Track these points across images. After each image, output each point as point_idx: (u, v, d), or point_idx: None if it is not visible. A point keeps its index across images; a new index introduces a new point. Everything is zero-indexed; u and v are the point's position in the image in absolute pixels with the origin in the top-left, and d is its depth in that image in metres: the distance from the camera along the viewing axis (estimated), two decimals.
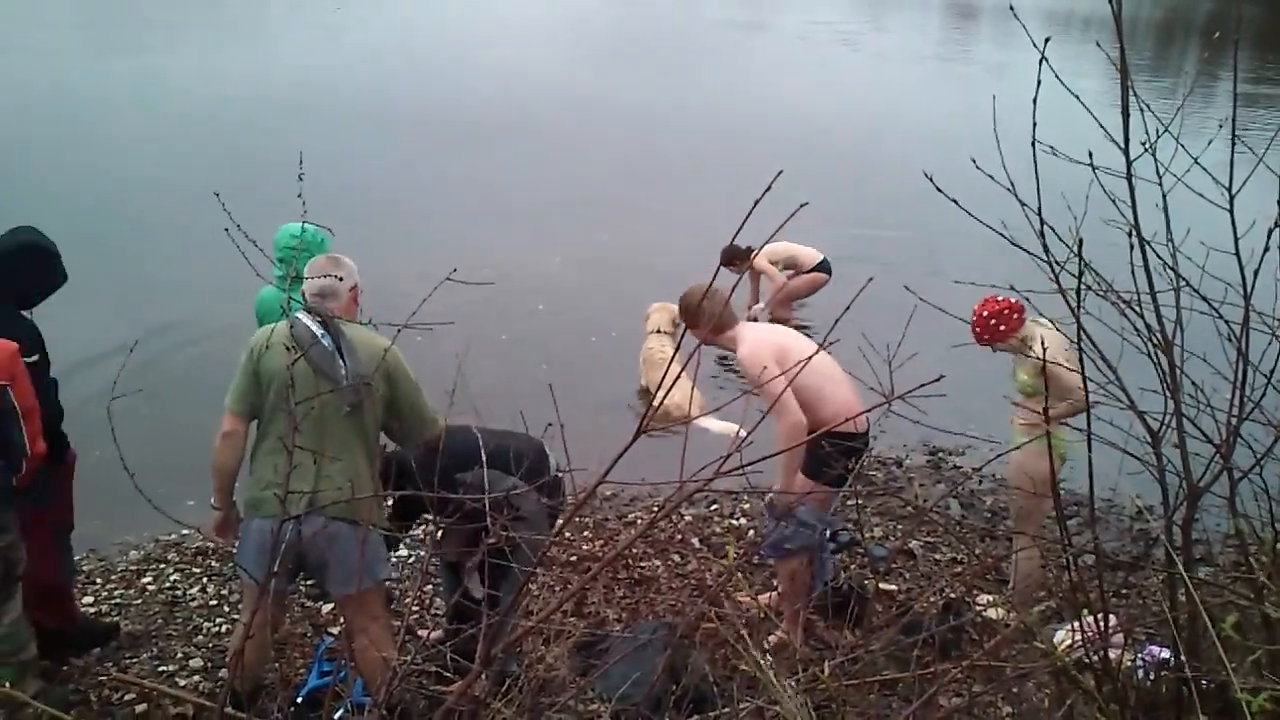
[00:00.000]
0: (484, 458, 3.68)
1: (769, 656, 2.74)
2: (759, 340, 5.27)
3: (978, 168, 3.08)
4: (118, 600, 6.00)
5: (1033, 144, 2.89)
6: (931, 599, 6.04)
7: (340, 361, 4.30)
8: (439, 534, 5.03)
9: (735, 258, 8.86)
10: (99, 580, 6.18)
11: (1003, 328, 5.32)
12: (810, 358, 3.34)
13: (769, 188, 2.33)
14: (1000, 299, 5.29)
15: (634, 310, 9.47)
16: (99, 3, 34.78)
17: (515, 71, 24.45)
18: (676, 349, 7.29)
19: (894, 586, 6.27)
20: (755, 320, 10.30)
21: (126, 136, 16.53)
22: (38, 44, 24.44)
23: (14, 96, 18.68)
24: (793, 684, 2.60)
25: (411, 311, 3.26)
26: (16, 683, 4.58)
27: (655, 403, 2.56)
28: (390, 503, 4.87)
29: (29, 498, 4.81)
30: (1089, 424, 2.99)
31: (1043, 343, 4.28)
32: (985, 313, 5.31)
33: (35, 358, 4.85)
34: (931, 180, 3.09)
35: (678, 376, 2.69)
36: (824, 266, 10.41)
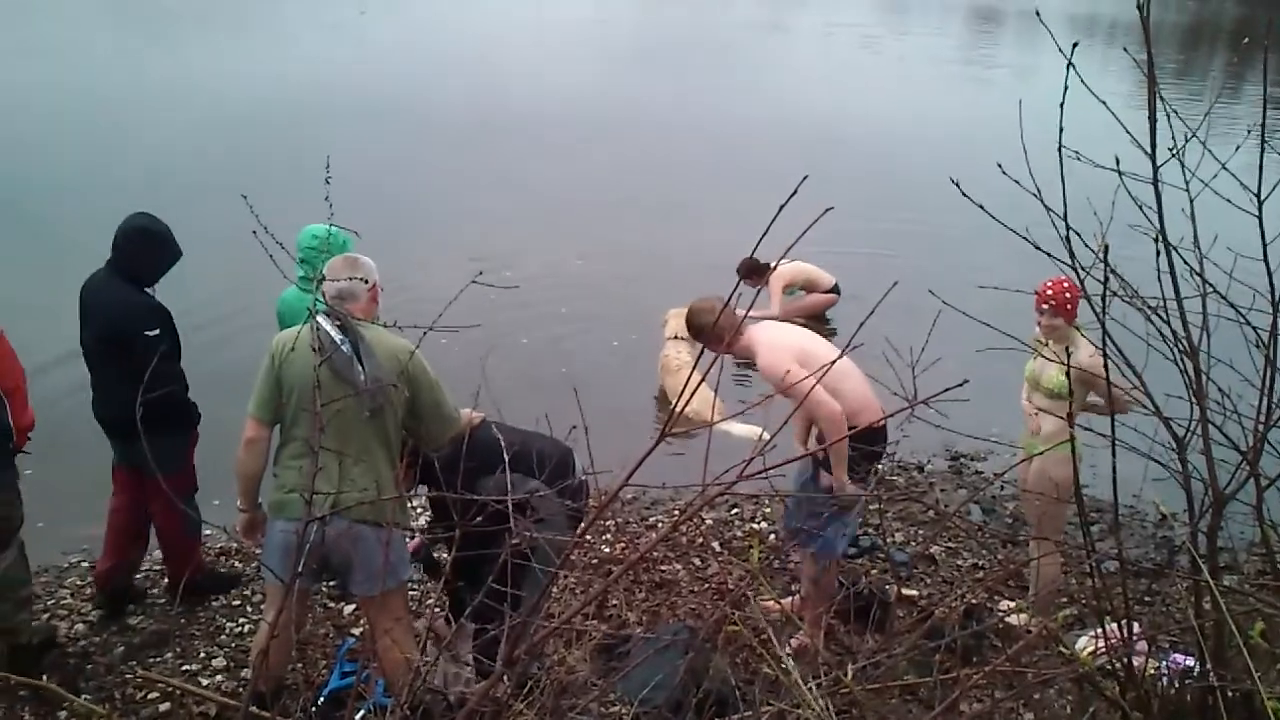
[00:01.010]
0: (506, 460, 3.67)
1: (791, 660, 2.74)
2: (776, 344, 5.21)
3: (1004, 173, 3.08)
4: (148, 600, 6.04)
5: (1059, 149, 2.88)
6: (953, 604, 6.02)
7: (358, 366, 4.30)
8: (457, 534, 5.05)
9: (754, 272, 8.88)
10: None
11: (1070, 307, 5.31)
12: (833, 362, 3.33)
13: (794, 193, 2.33)
14: None
15: (655, 313, 9.47)
16: (123, 5, 35.09)
17: (536, 73, 24.52)
18: (700, 355, 7.30)
19: (915, 592, 6.26)
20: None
21: (151, 136, 16.69)
22: (65, 45, 24.68)
23: (44, 97, 18.91)
24: (816, 687, 2.60)
25: (437, 314, 3.27)
26: (8, 618, 5.18)
27: (676, 408, 2.55)
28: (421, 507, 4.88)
29: (147, 464, 5.24)
30: (1113, 429, 2.98)
31: (1067, 350, 4.26)
32: (1067, 282, 5.27)
33: (155, 331, 5.34)
34: (958, 185, 3.09)
35: (699, 383, 2.69)
36: (835, 289, 10.73)
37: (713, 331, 4.93)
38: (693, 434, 6.78)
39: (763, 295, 10.55)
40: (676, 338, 8.89)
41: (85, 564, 6.38)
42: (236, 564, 6.43)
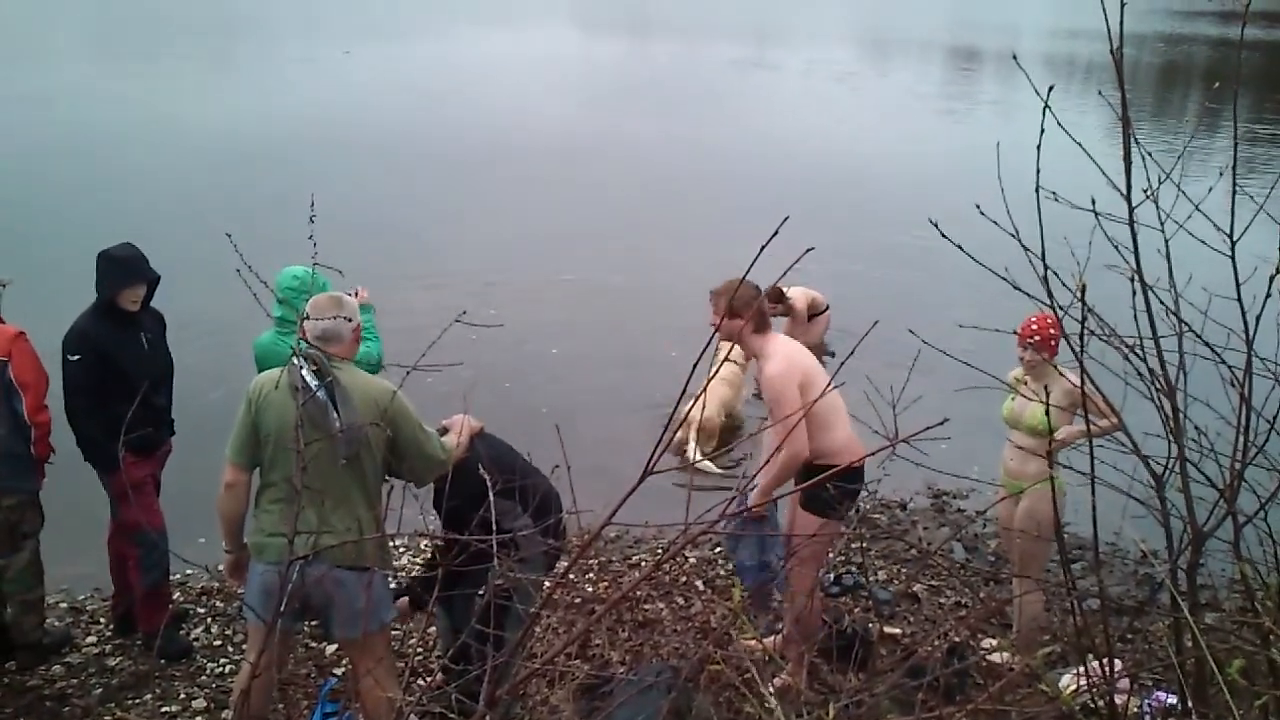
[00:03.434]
0: (492, 496, 3.66)
1: (774, 699, 2.73)
2: (791, 362, 5.22)
3: (982, 214, 3.11)
4: (120, 641, 5.98)
5: (1036, 190, 2.92)
6: (936, 642, 6.01)
7: (333, 413, 4.29)
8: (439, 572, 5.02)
9: (775, 299, 9.00)
10: (102, 620, 6.17)
11: (1053, 344, 5.35)
12: (826, 389, 3.31)
13: (775, 234, 2.35)
14: None
15: (638, 351, 9.50)
16: (113, 44, 35.21)
17: (521, 110, 24.66)
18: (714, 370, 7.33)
19: (898, 630, 6.25)
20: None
21: (136, 172, 16.77)
22: (51, 82, 24.73)
23: (31, 132, 19.00)
24: None
25: (421, 353, 3.27)
26: (18, 618, 5.56)
27: (658, 449, 2.55)
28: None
29: None
30: (1092, 467, 3.00)
31: (1047, 389, 4.30)
32: (1051, 319, 5.30)
33: (75, 357, 5.35)
34: (936, 226, 3.12)
35: (687, 409, 2.68)
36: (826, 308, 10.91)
37: (733, 297, 5.00)
38: (696, 472, 6.78)
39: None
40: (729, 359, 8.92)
41: (64, 605, 6.32)
42: (218, 603, 6.39)
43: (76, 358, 5.34)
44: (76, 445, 5.45)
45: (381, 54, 35.26)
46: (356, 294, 5.21)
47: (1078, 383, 3.12)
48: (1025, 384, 5.43)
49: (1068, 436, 5.20)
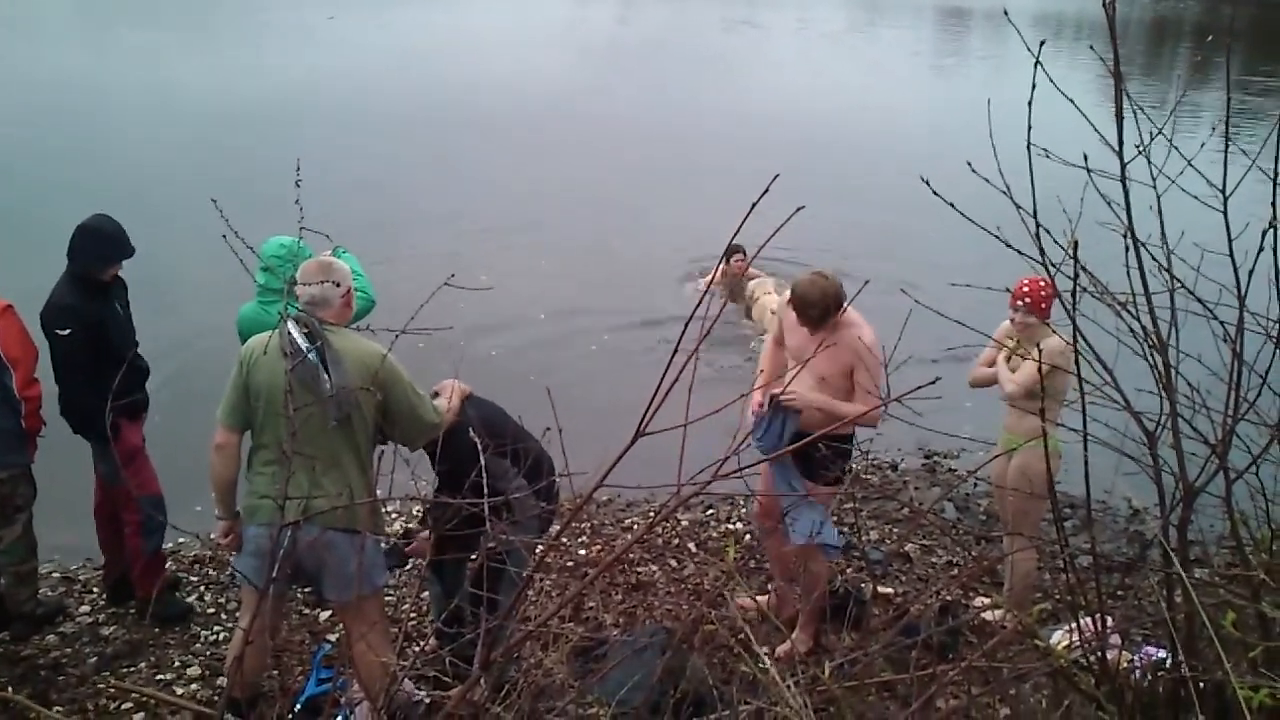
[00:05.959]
0: (484, 460, 3.65)
1: (768, 659, 2.74)
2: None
3: (974, 171, 3.09)
4: (114, 609, 5.98)
5: (1027, 147, 2.89)
6: (929, 601, 6.04)
7: (324, 375, 4.27)
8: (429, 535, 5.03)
9: (732, 254, 8.87)
10: (95, 589, 6.17)
11: (1044, 305, 5.33)
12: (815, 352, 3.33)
13: (765, 191, 2.34)
14: None
15: (630, 314, 9.46)
16: (95, 12, 34.84)
17: (510, 73, 24.46)
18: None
19: (891, 590, 6.28)
20: None
21: (128, 138, 16.66)
22: (34, 49, 24.49)
23: (15, 99, 18.82)
24: (793, 685, 2.60)
25: (409, 317, 3.25)
26: (11, 590, 5.59)
27: (651, 408, 2.55)
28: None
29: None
30: (1084, 425, 3.00)
31: (1039, 347, 4.30)
32: (1044, 281, 5.28)
33: (66, 331, 5.31)
34: (928, 184, 3.10)
35: (674, 383, 2.67)
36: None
37: (835, 300, 5.02)
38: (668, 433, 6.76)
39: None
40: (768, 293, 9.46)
41: (57, 575, 6.32)
42: (210, 571, 6.39)
43: (67, 332, 5.29)
44: (61, 415, 5.41)
45: (368, 17, 34.88)
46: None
47: (1068, 344, 3.10)
48: (1017, 342, 5.42)
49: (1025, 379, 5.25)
